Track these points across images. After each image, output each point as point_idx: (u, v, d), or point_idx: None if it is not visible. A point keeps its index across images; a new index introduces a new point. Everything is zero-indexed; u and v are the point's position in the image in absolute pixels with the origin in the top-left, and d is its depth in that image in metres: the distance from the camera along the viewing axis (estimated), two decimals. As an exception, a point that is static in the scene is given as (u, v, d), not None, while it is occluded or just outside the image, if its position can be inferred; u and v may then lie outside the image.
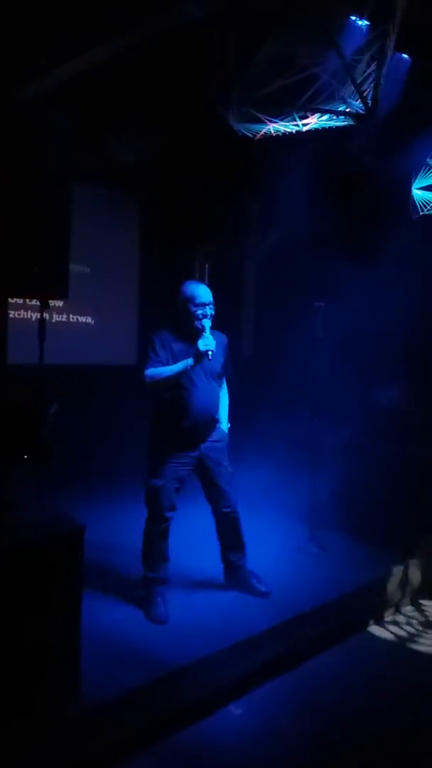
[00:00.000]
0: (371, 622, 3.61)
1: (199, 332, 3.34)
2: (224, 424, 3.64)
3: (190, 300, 3.40)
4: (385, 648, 3.36)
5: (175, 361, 3.36)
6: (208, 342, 3.29)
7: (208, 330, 3.35)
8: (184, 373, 3.34)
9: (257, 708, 2.78)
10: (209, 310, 3.41)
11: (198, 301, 3.39)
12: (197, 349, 3.29)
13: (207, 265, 6.44)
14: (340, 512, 4.69)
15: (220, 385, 3.63)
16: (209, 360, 3.33)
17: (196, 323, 3.38)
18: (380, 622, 3.64)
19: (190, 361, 3.32)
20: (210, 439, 3.52)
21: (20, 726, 2.32)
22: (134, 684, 2.72)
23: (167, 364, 3.36)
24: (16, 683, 2.35)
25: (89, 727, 2.49)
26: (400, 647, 3.39)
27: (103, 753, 2.39)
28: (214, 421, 3.55)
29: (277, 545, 4.40)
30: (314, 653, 3.19)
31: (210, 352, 3.29)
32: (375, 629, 3.56)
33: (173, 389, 3.40)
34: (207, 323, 3.37)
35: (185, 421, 3.41)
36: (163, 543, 3.47)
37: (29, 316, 5.76)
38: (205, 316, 3.38)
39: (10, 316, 4.93)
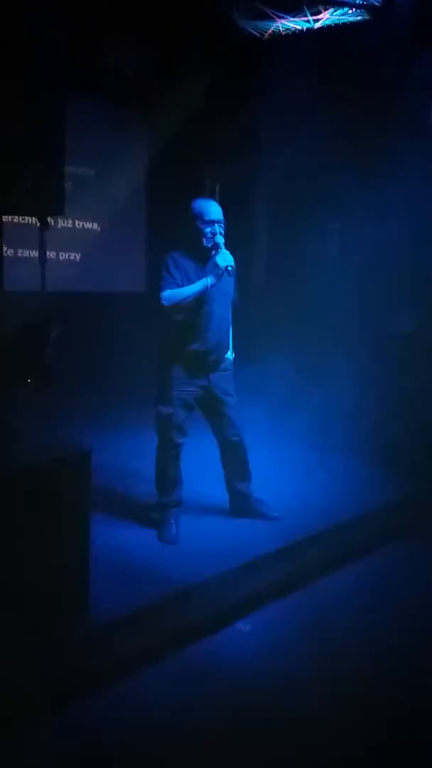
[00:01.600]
0: (380, 545, 3.61)
1: (212, 250, 3.19)
2: (230, 353, 3.52)
3: (199, 217, 3.25)
4: (394, 570, 3.36)
5: (190, 282, 3.23)
6: (226, 257, 3.15)
7: (223, 246, 3.19)
8: (203, 293, 3.20)
9: (265, 626, 2.81)
10: (219, 229, 3.23)
11: (207, 218, 3.24)
12: (217, 265, 3.15)
13: (217, 186, 6.17)
14: (349, 438, 4.64)
15: (230, 310, 3.49)
16: (230, 275, 3.20)
17: (205, 242, 3.23)
18: (389, 545, 3.64)
19: (210, 279, 3.18)
20: (219, 369, 3.43)
21: (31, 644, 2.37)
22: (144, 602, 2.76)
23: (182, 285, 3.23)
24: (25, 603, 2.38)
25: (98, 643, 2.53)
26: (407, 570, 3.40)
27: (112, 667, 2.44)
28: (225, 346, 3.44)
29: (286, 471, 4.37)
30: (323, 575, 3.20)
31: (230, 267, 3.15)
32: (384, 552, 3.57)
33: (187, 311, 3.26)
34: (220, 240, 3.20)
35: (197, 344, 3.30)
36: (175, 468, 3.44)
37: (33, 222, 5.50)
38: (214, 235, 3.21)
39: (14, 221, 4.73)
